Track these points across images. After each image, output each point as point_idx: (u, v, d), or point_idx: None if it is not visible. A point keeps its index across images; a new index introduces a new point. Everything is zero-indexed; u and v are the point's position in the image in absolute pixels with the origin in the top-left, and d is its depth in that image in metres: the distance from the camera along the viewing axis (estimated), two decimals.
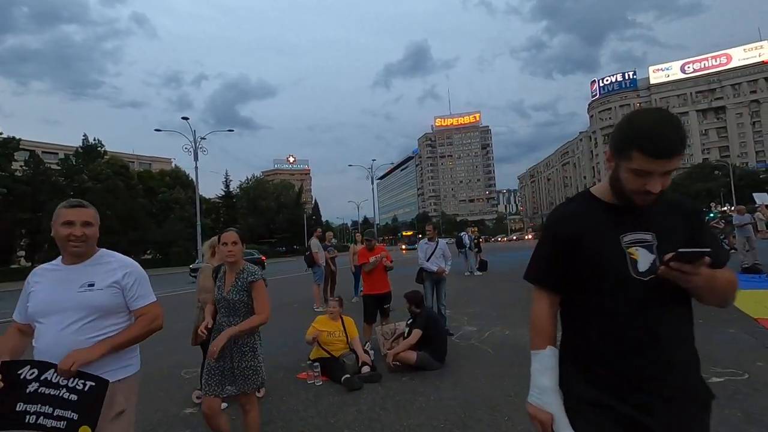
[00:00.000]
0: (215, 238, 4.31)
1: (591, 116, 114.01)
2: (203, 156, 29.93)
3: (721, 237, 17.19)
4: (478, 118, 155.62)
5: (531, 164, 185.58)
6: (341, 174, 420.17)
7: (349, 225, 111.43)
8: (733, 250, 16.13)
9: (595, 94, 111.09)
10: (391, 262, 5.84)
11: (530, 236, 77.97)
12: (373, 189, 54.24)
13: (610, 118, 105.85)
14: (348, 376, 4.27)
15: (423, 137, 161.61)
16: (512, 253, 29.65)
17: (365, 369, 4.51)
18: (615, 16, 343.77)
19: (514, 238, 78.63)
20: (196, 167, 30.01)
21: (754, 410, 3.11)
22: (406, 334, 4.84)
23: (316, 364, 4.47)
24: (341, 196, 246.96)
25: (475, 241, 16.76)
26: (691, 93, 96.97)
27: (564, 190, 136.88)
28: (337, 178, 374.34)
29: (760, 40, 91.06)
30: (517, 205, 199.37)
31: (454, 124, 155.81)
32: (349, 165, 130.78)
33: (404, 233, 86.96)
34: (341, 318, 4.93)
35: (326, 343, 4.71)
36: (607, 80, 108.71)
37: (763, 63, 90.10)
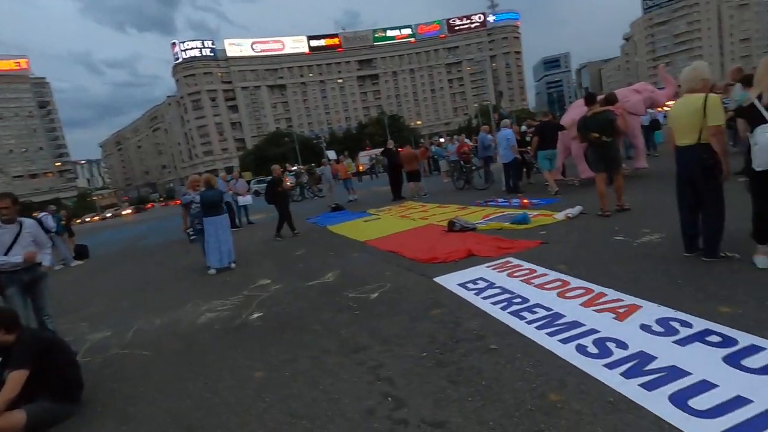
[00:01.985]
0: None
1: (177, 80, 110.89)
2: None
3: (308, 187, 21.36)
4: (25, 65, 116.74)
5: (115, 129, 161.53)
6: None
7: None
8: (315, 197, 20.44)
9: (178, 58, 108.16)
10: None
11: (130, 211, 69.14)
12: None
13: (196, 84, 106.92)
14: None
15: None
16: (112, 232, 25.17)
17: None
18: None
19: (109, 215, 66.92)
20: None
21: (411, 309, 3.76)
22: None
23: None
24: None
25: (64, 222, 12.68)
26: (261, 70, 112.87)
27: (159, 158, 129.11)
28: None
29: (301, 35, 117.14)
30: (103, 178, 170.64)
31: None
32: None
33: None
34: None
35: None
36: (188, 45, 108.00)
37: (305, 54, 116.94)
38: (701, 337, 2.50)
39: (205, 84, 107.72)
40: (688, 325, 2.65)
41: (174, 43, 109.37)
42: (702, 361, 2.26)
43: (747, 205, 3.45)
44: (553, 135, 8.60)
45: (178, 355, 3.71)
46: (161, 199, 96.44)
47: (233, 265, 6.98)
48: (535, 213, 6.82)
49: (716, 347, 2.37)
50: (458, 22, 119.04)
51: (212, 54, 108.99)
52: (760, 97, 3.02)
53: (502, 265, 4.58)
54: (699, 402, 1.96)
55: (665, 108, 11.74)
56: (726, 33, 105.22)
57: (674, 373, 2.20)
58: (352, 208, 12.86)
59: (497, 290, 3.86)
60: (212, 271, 6.78)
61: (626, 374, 2.27)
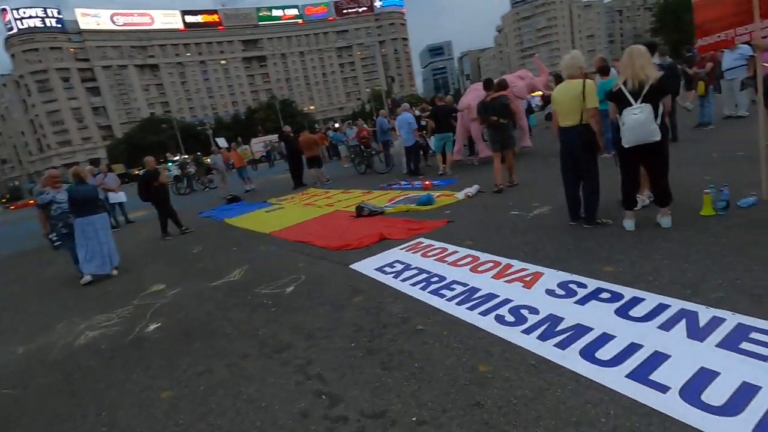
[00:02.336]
0: None
1: (13, 56, 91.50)
2: None
3: (196, 179, 19.53)
4: None
5: None
6: None
7: None
8: (206, 189, 18.82)
9: (12, 29, 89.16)
10: None
11: None
12: None
13: (40, 61, 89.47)
14: None
15: None
16: None
17: None
18: None
19: None
20: None
21: (332, 300, 3.64)
22: None
23: None
24: None
25: None
26: (127, 47, 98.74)
27: None
28: None
29: (175, 9, 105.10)
30: None
31: None
32: None
33: None
34: None
35: None
36: (24, 12, 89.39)
37: (180, 30, 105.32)
38: (595, 295, 2.84)
39: (53, 61, 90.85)
40: (584, 285, 3.00)
41: (4, 10, 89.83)
42: (599, 317, 2.57)
43: (614, 178, 4.01)
44: (447, 119, 9.07)
45: (55, 387, 3.08)
46: (4, 200, 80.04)
47: (115, 271, 6.06)
48: (438, 194, 7.13)
49: (608, 302, 2.71)
50: (346, 5, 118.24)
51: (60, 26, 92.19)
52: (626, 83, 3.49)
53: (415, 246, 4.70)
54: (604, 353, 2.22)
55: (537, 93, 13.18)
56: (576, 29, 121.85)
57: (580, 330, 2.47)
58: (251, 199, 12.11)
59: (414, 271, 3.94)
60: (87, 278, 5.80)
61: (542, 337, 2.48)
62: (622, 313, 2.56)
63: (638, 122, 3.33)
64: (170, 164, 36.83)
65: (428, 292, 3.43)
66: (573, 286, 3.02)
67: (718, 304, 2.45)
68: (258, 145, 32.79)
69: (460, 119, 9.36)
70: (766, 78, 6.47)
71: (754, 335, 2.12)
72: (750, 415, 1.66)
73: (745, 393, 1.77)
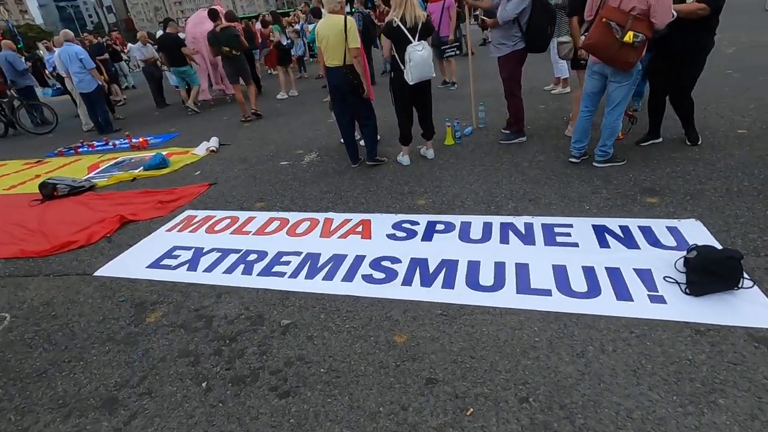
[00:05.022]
0: None
1: None
2: None
3: None
4: None
5: None
6: None
7: None
8: None
9: None
10: None
11: None
12: None
13: None
14: None
15: None
16: None
17: None
18: None
19: None
20: None
21: (107, 332, 2.29)
22: None
23: None
24: None
25: None
26: None
27: None
28: None
29: None
30: None
31: None
32: None
33: None
34: None
35: None
36: None
37: None
38: (432, 229, 2.94)
39: None
40: (416, 222, 3.06)
41: None
42: (452, 248, 2.68)
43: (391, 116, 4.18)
44: (177, 50, 7.29)
45: None
46: None
47: None
48: (166, 152, 5.62)
49: (447, 233, 2.87)
50: None
51: None
52: (404, 21, 3.53)
53: (187, 223, 3.57)
54: (484, 279, 2.34)
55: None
56: None
57: (450, 265, 2.50)
58: None
59: (216, 254, 2.99)
60: None
61: (425, 284, 2.37)
62: (465, 239, 2.77)
63: (423, 58, 3.49)
64: None
65: (257, 275, 2.68)
66: (407, 225, 3.03)
67: (518, 212, 3.01)
68: None
69: (208, 53, 7.83)
70: (442, 39, 8.08)
71: (557, 230, 2.73)
72: (606, 290, 2.14)
73: (590, 274, 2.26)
